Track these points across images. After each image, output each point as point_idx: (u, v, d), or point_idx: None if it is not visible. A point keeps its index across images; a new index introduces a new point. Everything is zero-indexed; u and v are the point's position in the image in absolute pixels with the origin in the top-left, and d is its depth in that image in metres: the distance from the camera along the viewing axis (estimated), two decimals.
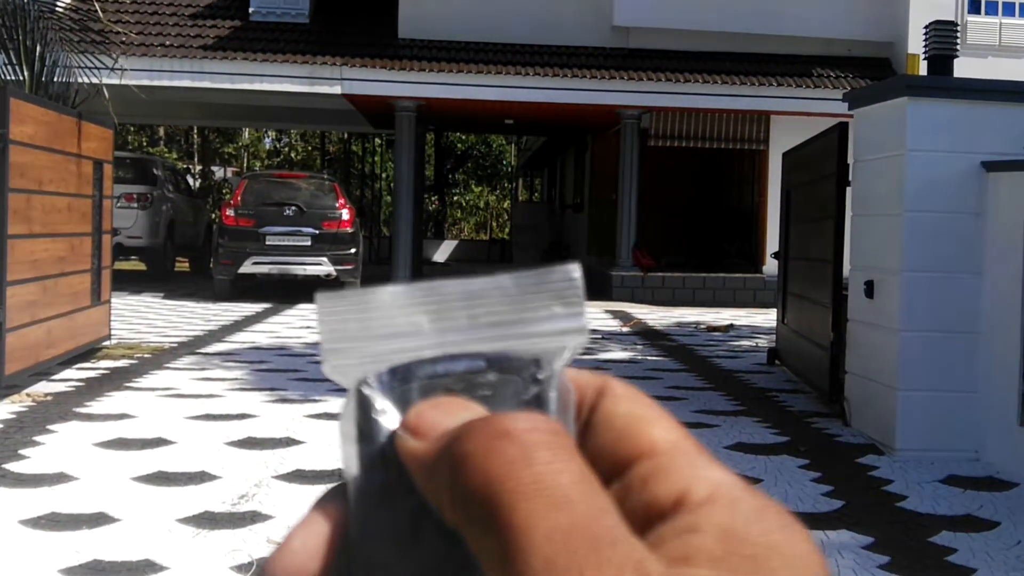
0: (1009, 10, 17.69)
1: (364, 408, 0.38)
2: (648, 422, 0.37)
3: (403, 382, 0.38)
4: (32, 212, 7.29)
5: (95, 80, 10.87)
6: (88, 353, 8.83)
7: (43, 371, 7.63)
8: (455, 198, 45.52)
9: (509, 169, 45.30)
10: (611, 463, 0.36)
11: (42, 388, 7.22)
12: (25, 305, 7.19)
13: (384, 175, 35.34)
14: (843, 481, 5.32)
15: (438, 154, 40.04)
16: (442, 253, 34.39)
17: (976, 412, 5.85)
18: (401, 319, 0.39)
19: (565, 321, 0.38)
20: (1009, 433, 5.62)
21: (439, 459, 0.35)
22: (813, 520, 4.61)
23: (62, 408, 6.62)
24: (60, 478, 4.96)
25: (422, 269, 21.64)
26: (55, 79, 10.48)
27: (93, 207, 8.85)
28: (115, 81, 11.53)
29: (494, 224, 45.66)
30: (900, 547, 4.27)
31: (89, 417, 6.38)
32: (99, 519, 4.33)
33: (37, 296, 7.42)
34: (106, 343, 9.43)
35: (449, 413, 0.36)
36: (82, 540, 4.06)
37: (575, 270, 0.38)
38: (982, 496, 5.12)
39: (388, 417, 0.37)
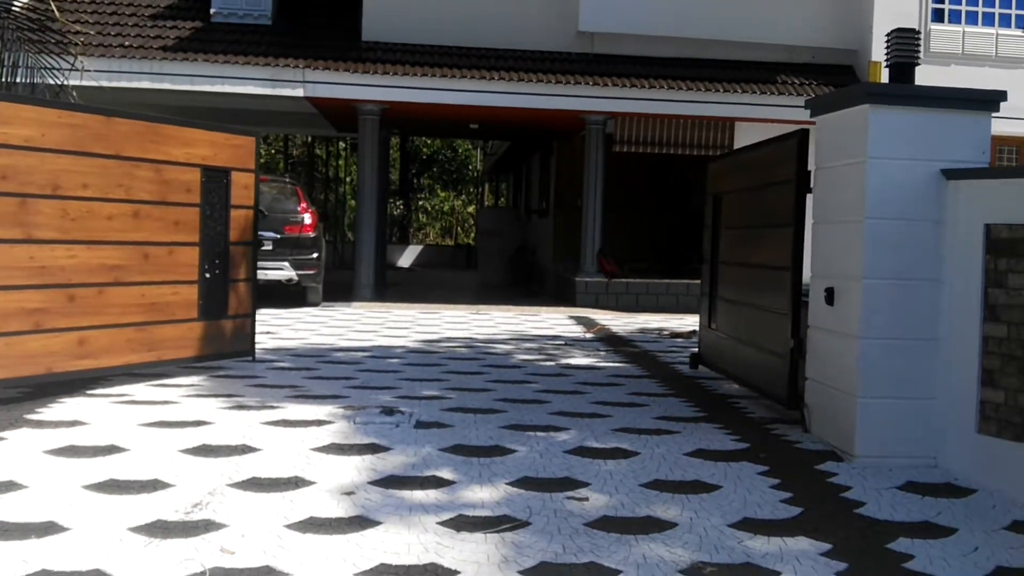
0: (972, 19, 17.88)
1: None
2: None
3: None
4: (34, 217, 7.06)
5: (55, 81, 10.76)
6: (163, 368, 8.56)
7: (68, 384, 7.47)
8: (420, 203, 45.44)
9: (475, 174, 45.28)
10: None
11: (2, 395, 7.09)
12: (19, 313, 6.99)
13: (348, 179, 35.21)
14: (802, 488, 5.31)
15: (403, 158, 39.99)
16: (407, 258, 34.35)
17: (935, 419, 5.87)
18: None
19: None
20: (967, 440, 5.64)
21: None
22: (772, 527, 4.59)
23: (12, 414, 6.49)
24: (9, 486, 4.85)
25: (386, 274, 21.56)
26: (17, 80, 10.35)
27: (203, 216, 8.48)
28: (75, 82, 11.42)
29: (459, 229, 45.60)
30: (858, 554, 4.26)
31: (40, 424, 6.26)
32: (48, 528, 4.24)
33: (48, 304, 7.19)
34: (247, 358, 9.15)
35: None
36: (30, 549, 3.97)
37: None
38: (940, 503, 5.13)
39: None
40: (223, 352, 8.87)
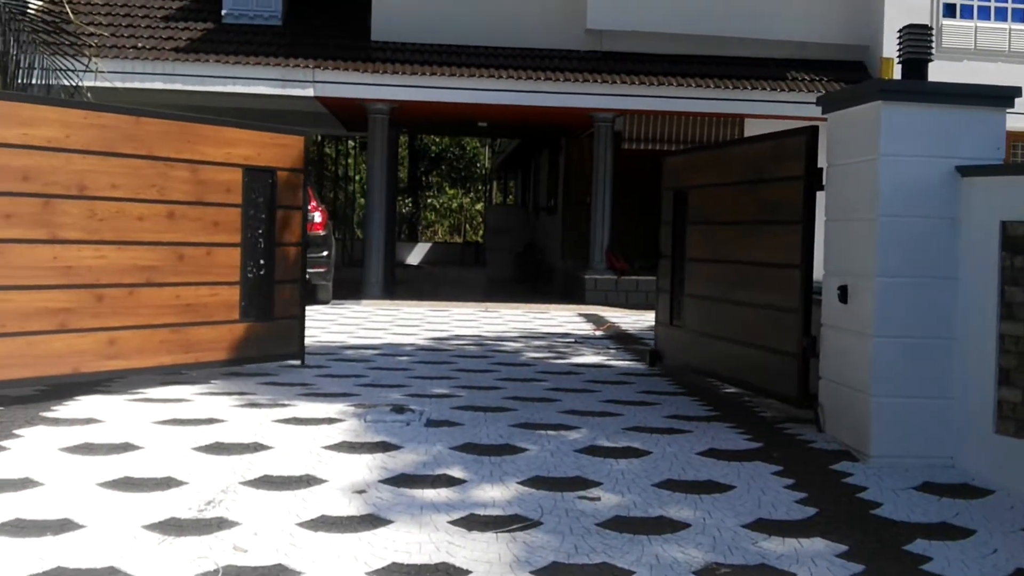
0: (984, 14, 17.80)
1: None
2: None
3: None
4: (59, 217, 7.02)
5: (70, 82, 10.79)
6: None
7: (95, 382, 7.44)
8: (429, 200, 45.45)
9: (483, 171, 45.27)
10: None
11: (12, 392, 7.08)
12: (42, 312, 6.96)
13: (358, 177, 35.20)
14: (817, 488, 5.28)
15: (412, 156, 40.00)
16: (416, 256, 34.34)
17: (951, 418, 5.83)
18: None
19: None
20: (985, 440, 5.60)
21: None
22: (786, 528, 4.57)
23: (29, 412, 6.50)
24: (25, 483, 4.86)
25: (395, 272, 21.56)
26: (33, 81, 10.40)
27: (246, 216, 8.32)
28: (89, 83, 11.45)
29: (468, 227, 45.59)
30: (874, 555, 4.24)
31: (56, 422, 6.27)
32: (64, 525, 4.25)
33: (74, 304, 7.15)
34: (294, 362, 8.90)
35: None
36: (46, 547, 3.98)
37: None
38: (958, 504, 5.09)
39: None
40: (268, 355, 8.69)
